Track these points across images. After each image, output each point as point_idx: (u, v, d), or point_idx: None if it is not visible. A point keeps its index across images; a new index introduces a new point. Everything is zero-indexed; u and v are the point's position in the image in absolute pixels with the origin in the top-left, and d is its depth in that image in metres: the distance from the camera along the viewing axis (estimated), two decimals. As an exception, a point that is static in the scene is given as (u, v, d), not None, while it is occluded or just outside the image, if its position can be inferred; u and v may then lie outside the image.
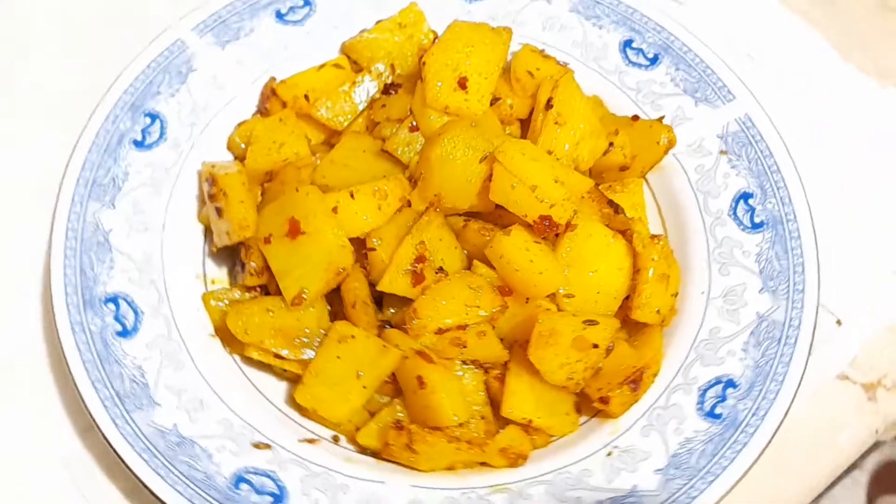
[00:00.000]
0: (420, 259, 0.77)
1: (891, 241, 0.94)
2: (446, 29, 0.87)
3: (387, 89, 0.89)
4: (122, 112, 0.83)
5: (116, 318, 0.74)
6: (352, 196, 0.78)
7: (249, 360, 0.79)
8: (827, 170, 0.96)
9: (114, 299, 0.74)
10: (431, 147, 0.81)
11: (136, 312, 0.75)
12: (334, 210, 0.77)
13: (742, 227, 0.82)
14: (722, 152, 0.87)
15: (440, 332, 0.75)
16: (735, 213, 0.83)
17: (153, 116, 0.84)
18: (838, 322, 0.89)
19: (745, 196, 0.84)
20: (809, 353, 0.75)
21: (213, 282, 0.83)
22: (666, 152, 0.88)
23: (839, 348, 0.88)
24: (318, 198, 0.77)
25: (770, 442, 0.71)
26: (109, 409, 0.68)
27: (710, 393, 0.74)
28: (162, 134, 0.84)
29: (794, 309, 0.76)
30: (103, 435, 0.67)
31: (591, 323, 0.75)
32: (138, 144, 0.82)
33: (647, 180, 0.90)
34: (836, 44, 1.08)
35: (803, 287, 0.77)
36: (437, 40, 0.87)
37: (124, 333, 0.73)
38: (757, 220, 0.82)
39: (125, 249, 0.77)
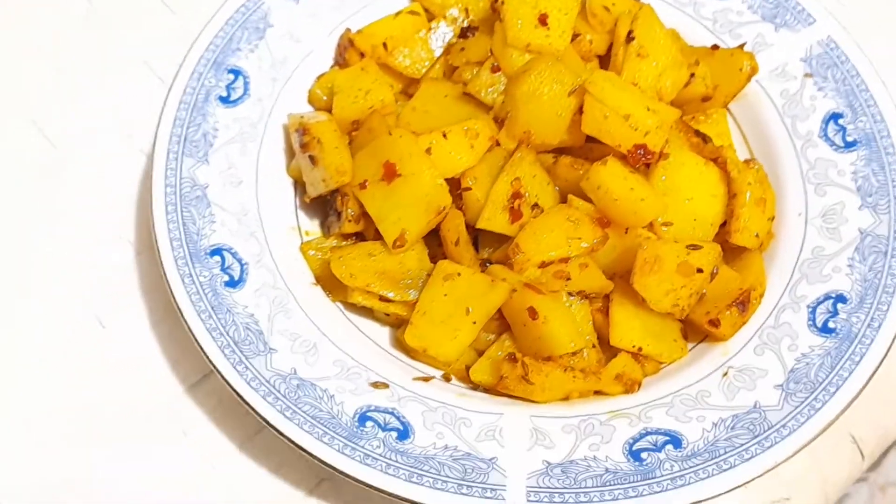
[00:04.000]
0: (516, 195, 0.77)
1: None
2: (522, -33, 0.86)
3: (463, 33, 0.88)
4: (205, 69, 0.83)
5: (223, 270, 0.74)
6: (444, 136, 0.78)
7: (350, 307, 0.79)
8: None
9: (218, 251, 0.75)
10: (517, 84, 0.80)
11: (240, 263, 0.75)
12: (428, 151, 0.77)
13: (834, 147, 0.82)
14: (807, 75, 0.86)
15: (543, 265, 0.75)
16: (826, 134, 0.83)
17: (236, 73, 0.84)
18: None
19: (835, 116, 0.83)
20: (920, 262, 0.74)
21: (306, 233, 0.83)
22: (748, 80, 0.87)
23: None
24: (412, 140, 0.77)
25: (887, 353, 0.70)
26: (228, 356, 0.69)
27: (821, 309, 0.74)
28: (246, 90, 0.84)
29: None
30: (226, 381, 0.68)
31: (695, 248, 0.75)
32: (224, 101, 0.83)
33: (729, 110, 0.90)
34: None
35: None
36: (512, -20, 0.86)
37: (232, 284, 0.74)
38: (849, 139, 0.82)
39: (222, 203, 0.78)
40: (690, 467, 0.66)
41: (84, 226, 0.88)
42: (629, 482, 0.65)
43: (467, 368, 0.76)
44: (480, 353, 0.76)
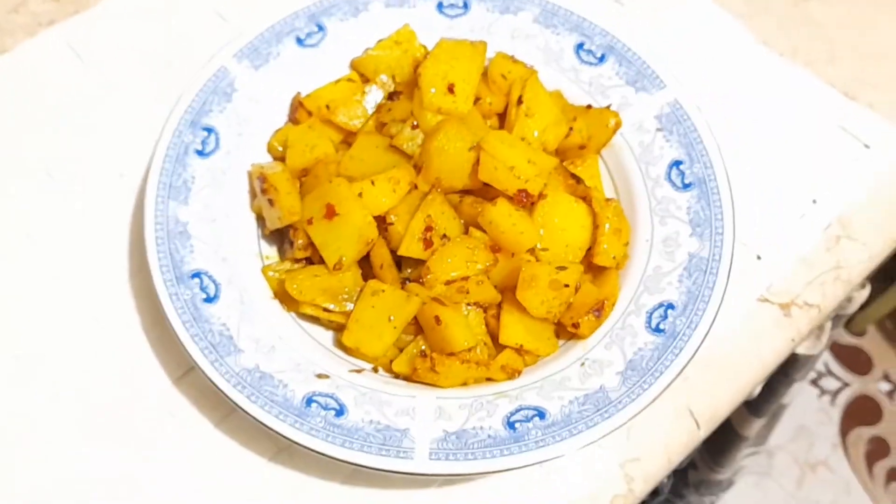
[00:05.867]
0: (428, 229, 1.00)
1: (797, 193, 1.18)
2: (435, 46, 1.09)
3: (391, 96, 1.11)
4: (185, 128, 1.04)
5: (202, 289, 0.96)
6: (372, 183, 1.00)
7: (303, 316, 1.01)
8: (745, 138, 1.20)
9: (197, 275, 0.96)
10: (430, 141, 1.03)
11: (215, 284, 0.97)
12: (360, 195, 0.99)
13: (675, 187, 1.06)
14: (658, 130, 1.10)
15: (448, 283, 0.98)
16: (669, 177, 1.07)
17: (209, 130, 1.06)
18: (758, 257, 1.12)
19: (677, 163, 1.07)
20: (728, 280, 0.98)
21: (266, 258, 1.05)
22: (614, 133, 1.11)
23: (760, 277, 1.12)
24: (347, 186, 0.99)
25: (700, 346, 0.94)
26: (207, 355, 0.91)
27: (655, 314, 0.97)
28: (217, 144, 1.06)
29: (715, 247, 1.00)
30: (206, 375, 0.90)
31: (562, 269, 0.98)
32: (200, 153, 1.04)
33: (602, 156, 1.13)
34: (751, 28, 1.31)
35: (722, 231, 1.01)
36: (428, 55, 1.09)
37: (209, 300, 0.95)
38: (686, 181, 1.06)
39: (200, 236, 0.99)
40: (550, 433, 0.88)
41: (85, 250, 1.09)
42: (505, 444, 0.88)
43: (391, 362, 0.98)
44: (401, 350, 0.99)
